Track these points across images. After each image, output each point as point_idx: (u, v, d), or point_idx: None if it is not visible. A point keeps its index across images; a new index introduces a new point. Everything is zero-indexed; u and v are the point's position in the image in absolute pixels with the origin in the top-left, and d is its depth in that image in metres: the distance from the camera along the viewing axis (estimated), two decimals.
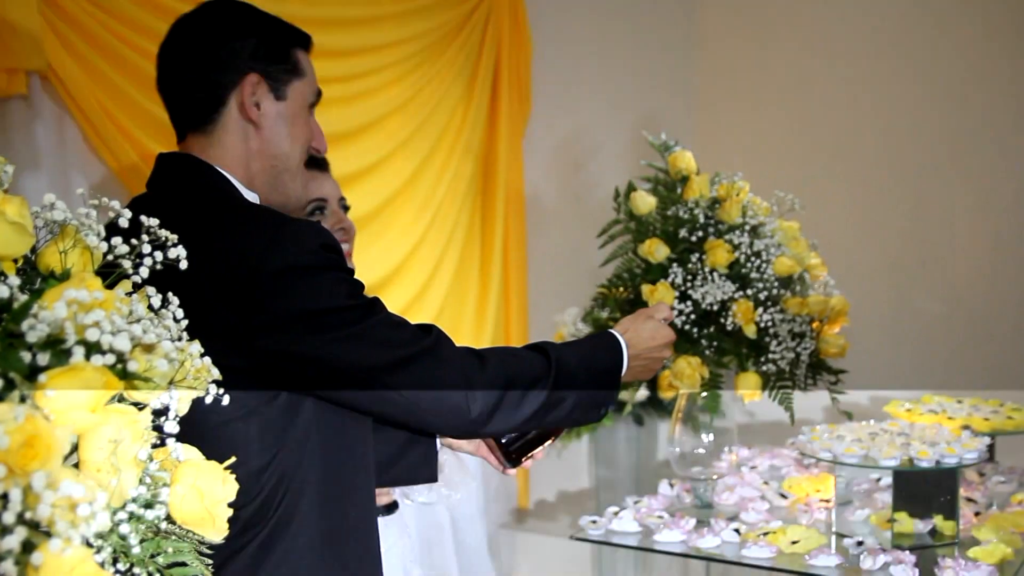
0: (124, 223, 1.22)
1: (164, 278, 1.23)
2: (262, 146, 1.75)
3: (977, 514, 2.52)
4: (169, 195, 1.70)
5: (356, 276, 1.69)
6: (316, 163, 2.42)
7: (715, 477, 2.63)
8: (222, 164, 1.72)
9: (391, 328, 1.62)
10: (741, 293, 2.50)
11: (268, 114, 1.75)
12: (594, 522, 2.53)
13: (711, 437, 2.60)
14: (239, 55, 1.73)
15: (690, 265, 2.51)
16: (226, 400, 1.22)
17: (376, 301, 1.65)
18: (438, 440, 1.99)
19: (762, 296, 2.50)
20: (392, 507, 2.39)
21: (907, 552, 2.21)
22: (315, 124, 1.86)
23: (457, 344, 1.70)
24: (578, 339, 1.90)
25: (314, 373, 1.57)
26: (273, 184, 1.78)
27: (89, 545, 1.01)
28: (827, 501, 2.62)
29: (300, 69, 1.80)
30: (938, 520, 2.34)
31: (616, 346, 1.87)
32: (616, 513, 2.55)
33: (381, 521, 2.43)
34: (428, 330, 1.67)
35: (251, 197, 1.74)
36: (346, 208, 2.46)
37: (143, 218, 1.26)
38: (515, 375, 1.70)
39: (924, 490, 2.36)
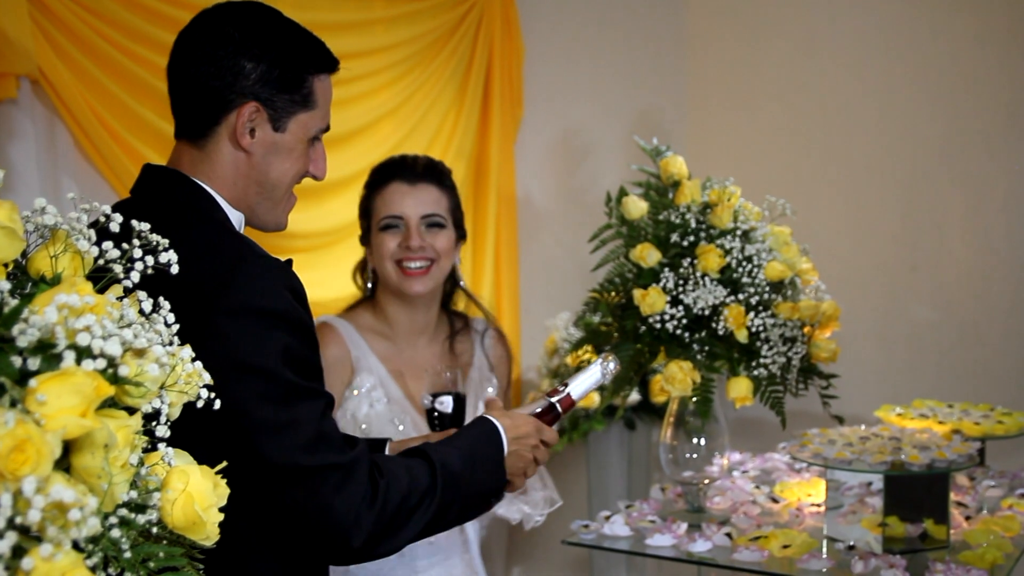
0: (115, 227, 1.22)
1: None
2: (250, 172, 1.70)
3: (968, 518, 2.53)
4: (150, 205, 1.65)
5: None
6: (406, 175, 2.44)
7: (707, 481, 2.63)
8: (209, 180, 1.69)
9: (316, 434, 1.53)
10: (732, 298, 2.50)
11: (262, 142, 1.69)
12: (586, 526, 2.53)
13: (703, 441, 2.61)
14: (246, 77, 1.66)
15: (682, 270, 2.51)
16: (217, 405, 1.22)
17: (320, 395, 1.57)
18: None
19: (753, 301, 2.50)
20: None
21: (898, 556, 2.21)
22: (319, 150, 1.79)
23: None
24: (456, 434, 1.81)
25: (219, 428, 1.45)
26: (254, 208, 1.74)
27: (80, 550, 1.01)
28: (818, 505, 2.63)
29: (310, 100, 1.73)
30: (929, 524, 2.35)
31: (495, 432, 1.79)
32: (608, 517, 2.55)
33: None
34: (353, 444, 1.61)
35: (235, 216, 1.71)
36: (437, 224, 2.44)
37: (134, 223, 1.26)
38: (403, 498, 1.61)
39: (915, 494, 2.37)
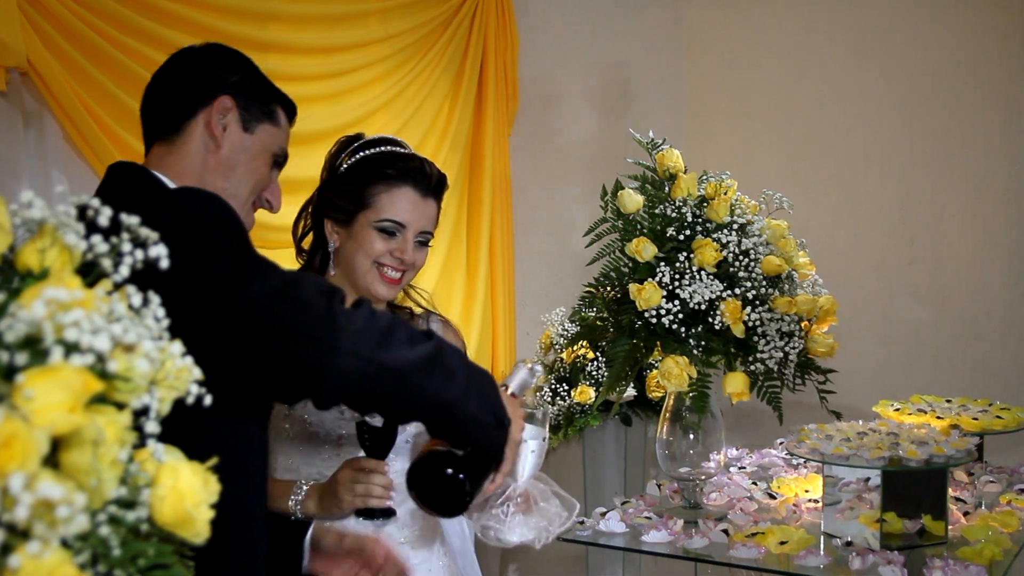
0: (104, 221, 1.20)
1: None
2: (217, 166, 1.78)
3: (966, 514, 2.52)
4: (105, 201, 1.64)
5: None
6: (421, 185, 2.30)
7: (703, 477, 2.62)
8: (174, 173, 1.73)
9: (262, 259, 1.49)
10: (729, 292, 2.48)
11: (231, 139, 1.79)
12: (582, 523, 2.51)
13: (699, 437, 2.59)
14: (222, 80, 1.80)
15: (678, 264, 2.50)
16: (208, 400, 1.20)
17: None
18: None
19: (750, 295, 2.49)
20: (389, 513, 2.29)
21: (896, 552, 2.20)
22: (275, 182, 1.89)
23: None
24: None
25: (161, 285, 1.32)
26: None
27: (68, 547, 0.99)
28: (816, 501, 2.62)
29: (275, 118, 1.86)
30: (927, 520, 2.34)
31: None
32: (604, 514, 2.54)
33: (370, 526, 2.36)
34: None
35: None
36: (426, 242, 2.34)
37: (123, 216, 1.24)
38: (399, 320, 1.54)
39: (913, 490, 2.36)
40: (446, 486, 1.70)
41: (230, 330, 1.45)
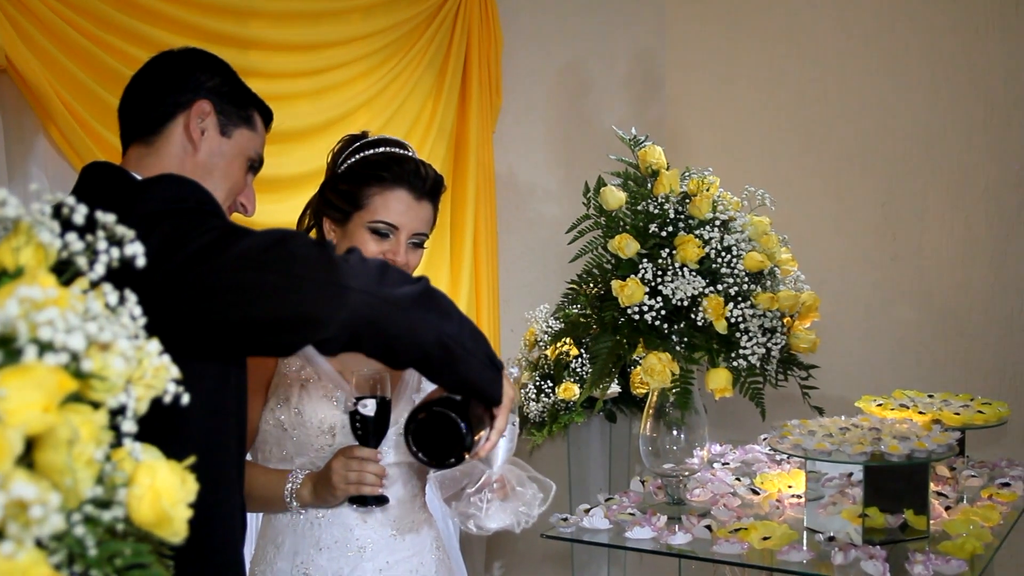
0: (79, 219, 1.20)
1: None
2: (194, 169, 1.80)
3: (948, 508, 2.53)
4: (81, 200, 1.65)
5: None
6: (416, 188, 2.29)
7: (687, 474, 2.62)
8: (151, 175, 1.73)
9: (246, 227, 1.52)
10: (711, 288, 2.49)
11: (209, 142, 1.83)
12: (565, 520, 2.51)
13: (683, 434, 2.60)
14: (200, 84, 1.83)
15: (660, 260, 2.50)
16: (185, 399, 1.19)
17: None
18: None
19: (732, 291, 2.49)
20: (381, 500, 2.29)
21: (878, 547, 2.21)
22: (250, 186, 1.92)
23: None
24: None
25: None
26: None
27: (43, 547, 0.98)
28: (799, 497, 2.62)
29: (253, 123, 1.90)
30: (909, 515, 2.34)
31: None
32: (587, 511, 2.54)
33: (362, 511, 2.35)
34: None
35: None
36: (420, 243, 2.33)
37: (99, 214, 1.23)
38: (387, 262, 1.60)
39: (895, 485, 2.36)
40: (445, 429, 1.71)
41: (222, 289, 1.47)
